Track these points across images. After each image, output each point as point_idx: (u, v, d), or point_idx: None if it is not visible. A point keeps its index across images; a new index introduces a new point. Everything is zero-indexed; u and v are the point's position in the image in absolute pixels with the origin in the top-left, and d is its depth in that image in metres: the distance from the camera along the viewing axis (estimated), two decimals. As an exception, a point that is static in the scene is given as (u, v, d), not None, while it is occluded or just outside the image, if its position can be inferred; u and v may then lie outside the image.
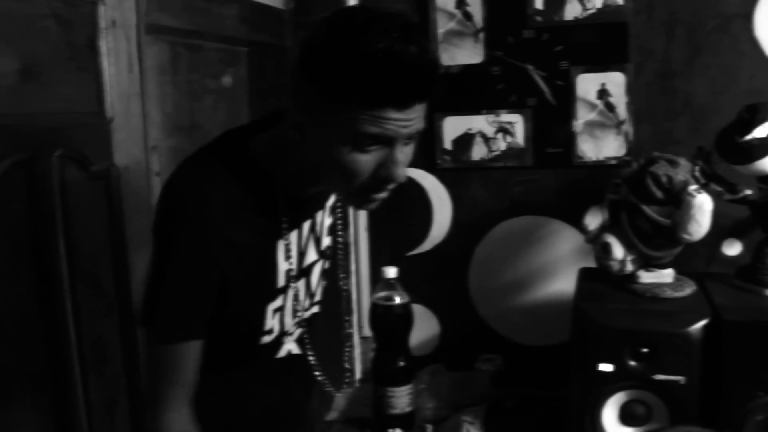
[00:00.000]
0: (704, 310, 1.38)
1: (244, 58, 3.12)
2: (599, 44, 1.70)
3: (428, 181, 1.87)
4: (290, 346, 1.32)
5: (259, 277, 1.15)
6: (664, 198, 1.42)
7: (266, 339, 1.23)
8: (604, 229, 1.53)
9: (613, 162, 1.72)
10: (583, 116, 1.73)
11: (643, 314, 1.40)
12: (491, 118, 1.79)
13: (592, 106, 1.72)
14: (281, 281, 1.18)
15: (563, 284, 1.79)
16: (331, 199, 1.28)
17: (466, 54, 1.78)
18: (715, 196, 1.42)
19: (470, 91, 1.79)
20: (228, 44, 2.96)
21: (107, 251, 1.89)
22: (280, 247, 1.15)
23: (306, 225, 1.20)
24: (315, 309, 1.33)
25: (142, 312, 1.12)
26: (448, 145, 1.83)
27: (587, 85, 1.72)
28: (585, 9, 1.70)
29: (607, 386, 1.37)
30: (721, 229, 1.62)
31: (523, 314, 1.85)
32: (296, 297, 1.23)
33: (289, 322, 1.24)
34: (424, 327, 1.89)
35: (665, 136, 1.71)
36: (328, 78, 0.94)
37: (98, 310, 1.97)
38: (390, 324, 1.58)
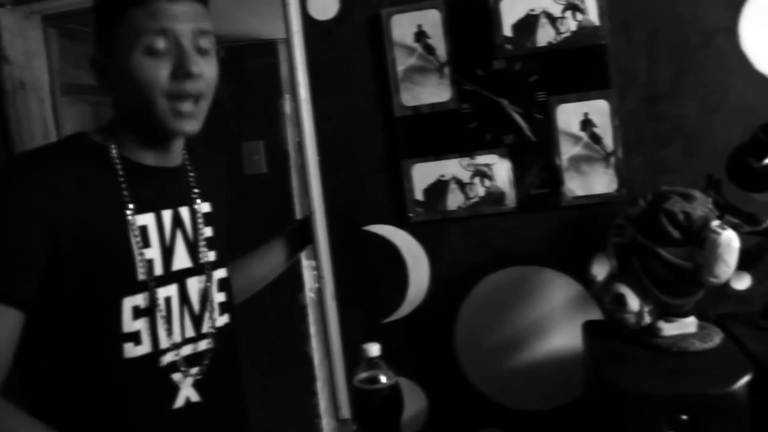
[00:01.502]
0: (743, 362, 1.20)
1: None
2: (578, 70, 1.54)
3: (400, 237, 1.66)
4: (188, 392, 1.23)
5: (108, 255, 1.12)
6: (682, 238, 1.24)
7: (134, 350, 1.15)
8: (613, 277, 1.34)
9: (606, 199, 1.55)
10: (567, 151, 1.56)
11: (676, 374, 1.20)
12: (465, 161, 1.59)
13: (577, 139, 1.55)
14: (141, 273, 1.16)
15: (561, 339, 1.60)
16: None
17: (431, 92, 1.59)
18: (734, 228, 1.25)
19: (439, 133, 1.60)
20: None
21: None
22: (131, 228, 1.15)
23: (167, 215, 1.22)
24: (205, 344, 1.27)
25: None
26: (419, 195, 1.62)
27: (569, 115, 1.55)
28: (559, 33, 1.53)
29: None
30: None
31: (519, 377, 1.64)
32: (168, 306, 1.20)
33: (163, 336, 1.18)
34: (410, 402, 1.65)
35: (658, 165, 1.55)
36: None
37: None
38: (377, 409, 1.36)
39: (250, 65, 2.72)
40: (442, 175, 1.61)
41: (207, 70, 1.16)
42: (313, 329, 2.80)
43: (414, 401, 1.68)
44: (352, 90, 1.65)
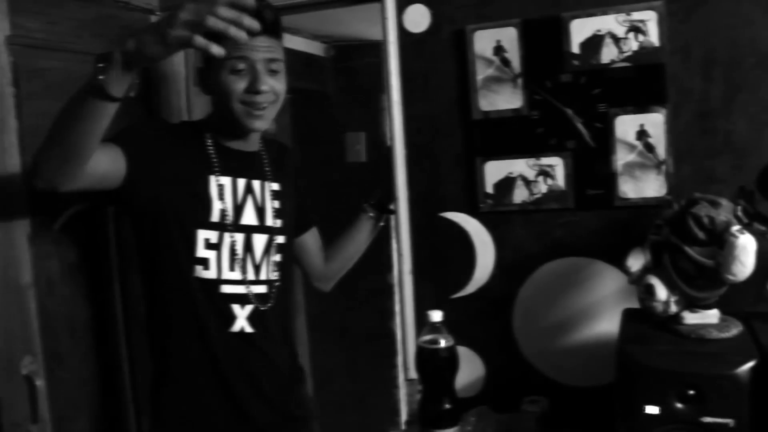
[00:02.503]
0: (751, 351, 1.37)
1: (288, 105, 3.23)
2: (637, 86, 1.72)
3: (471, 224, 1.90)
4: (242, 323, 1.61)
5: (191, 196, 1.55)
6: (706, 239, 1.42)
7: (203, 272, 1.56)
8: (647, 270, 1.53)
9: (654, 202, 1.72)
10: (622, 157, 1.74)
11: (689, 356, 1.39)
12: (532, 161, 1.81)
13: (632, 147, 1.73)
14: (215, 216, 1.57)
15: (607, 325, 1.79)
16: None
17: (505, 99, 1.82)
18: (759, 236, 1.42)
19: (510, 136, 1.83)
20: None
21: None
22: (212, 182, 1.58)
23: (241, 182, 1.63)
24: (262, 289, 1.64)
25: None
26: (489, 188, 1.85)
27: (626, 126, 1.73)
28: (621, 51, 1.72)
29: (653, 429, 1.36)
30: (765, 268, 1.60)
31: (567, 355, 1.84)
32: (233, 248, 1.59)
33: (226, 268, 1.58)
34: (469, 369, 1.90)
35: (706, 175, 1.71)
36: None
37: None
38: (436, 367, 1.60)
39: (357, 63, 3.01)
40: (511, 173, 1.83)
41: (275, 86, 1.56)
42: (397, 307, 3.05)
43: (473, 368, 1.92)
44: (437, 94, 1.90)
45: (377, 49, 2.99)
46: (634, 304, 1.72)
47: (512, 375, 1.89)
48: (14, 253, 1.66)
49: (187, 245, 1.56)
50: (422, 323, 1.92)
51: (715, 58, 1.68)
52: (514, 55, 1.80)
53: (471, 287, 1.92)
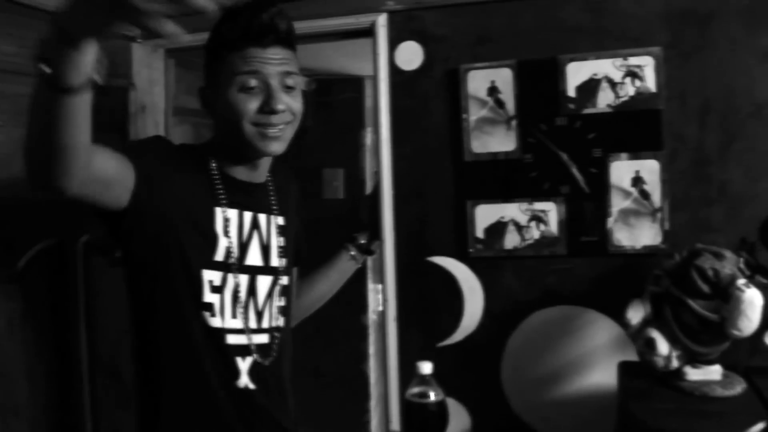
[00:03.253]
0: (759, 411, 1.32)
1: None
2: (633, 131, 1.69)
3: (459, 270, 1.83)
4: (245, 378, 1.38)
5: (196, 232, 1.33)
6: (710, 292, 1.37)
7: (211, 320, 1.33)
8: (647, 323, 1.47)
9: (650, 251, 1.68)
10: (617, 204, 1.70)
11: (695, 415, 1.33)
12: (524, 206, 1.76)
13: (627, 194, 1.70)
14: (220, 255, 1.35)
15: (600, 377, 1.73)
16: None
17: (498, 141, 1.77)
18: (762, 289, 1.37)
19: (502, 179, 1.78)
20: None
21: (126, 338, 1.85)
22: (218, 215, 1.36)
23: (247, 216, 1.41)
24: (265, 338, 1.42)
25: None
26: (480, 233, 1.80)
27: (621, 172, 1.70)
28: (618, 97, 1.69)
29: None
30: (763, 320, 1.57)
31: (558, 409, 1.78)
32: (236, 292, 1.37)
33: (228, 315, 1.36)
34: (454, 421, 1.80)
35: (702, 224, 1.68)
36: (211, 39, 1.33)
37: (116, 402, 1.93)
38: (424, 422, 1.51)
39: (336, 98, 2.95)
40: (502, 217, 1.78)
41: (292, 104, 1.34)
42: (372, 349, 2.97)
43: (459, 421, 1.84)
44: (428, 134, 1.85)
45: (358, 84, 2.97)
46: (629, 356, 1.67)
47: (500, 429, 1.82)
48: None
49: (192, 287, 1.34)
50: (406, 372, 1.86)
51: (711, 105, 1.67)
52: (508, 96, 1.76)
53: (458, 335, 1.84)
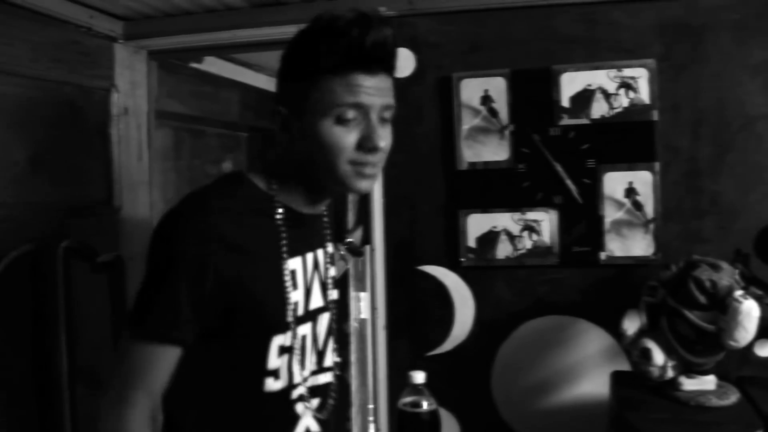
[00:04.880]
0: (754, 420, 1.32)
1: (244, 143, 3.11)
2: (626, 143, 1.69)
3: (450, 278, 1.82)
4: (308, 422, 1.25)
5: (266, 297, 1.16)
6: (708, 303, 1.37)
7: (273, 385, 1.19)
8: (642, 333, 1.48)
9: (642, 262, 1.69)
10: (610, 215, 1.71)
11: (691, 425, 1.33)
12: (517, 215, 1.75)
13: (620, 205, 1.70)
14: (290, 314, 1.18)
15: (591, 386, 1.73)
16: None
17: (491, 151, 1.76)
18: (756, 300, 1.38)
19: (495, 188, 1.77)
20: (229, 129, 2.95)
21: (109, 345, 1.80)
22: (285, 272, 1.18)
23: (309, 258, 1.24)
24: (328, 377, 1.30)
25: (131, 318, 1.11)
26: (472, 242, 1.78)
27: (615, 183, 1.70)
28: (612, 108, 1.69)
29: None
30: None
31: (548, 418, 1.77)
32: (303, 343, 1.22)
33: (296, 372, 1.21)
34: (443, 430, 1.79)
35: (693, 235, 1.69)
36: (303, 57, 1.10)
37: (97, 411, 1.86)
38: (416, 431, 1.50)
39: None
40: (494, 227, 1.77)
41: (387, 142, 1.16)
42: (353, 357, 2.94)
43: (448, 430, 1.82)
44: (419, 142, 1.83)
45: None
46: (620, 366, 1.68)
47: (490, 438, 1.80)
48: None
49: (259, 357, 1.18)
50: (395, 381, 1.83)
51: (703, 118, 1.68)
52: (502, 105, 1.76)
53: (448, 344, 1.83)
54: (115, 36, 1.95)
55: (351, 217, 1.89)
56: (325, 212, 1.33)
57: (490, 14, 1.77)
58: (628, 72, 1.68)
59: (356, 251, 1.78)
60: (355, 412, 3.07)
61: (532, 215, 1.75)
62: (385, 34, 1.09)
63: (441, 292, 1.82)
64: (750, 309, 1.32)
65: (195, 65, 2.33)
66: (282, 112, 1.16)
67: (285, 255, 1.18)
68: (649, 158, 1.68)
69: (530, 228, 1.75)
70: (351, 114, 1.10)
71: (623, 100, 1.69)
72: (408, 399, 1.50)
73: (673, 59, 1.68)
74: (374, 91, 1.10)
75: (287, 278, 1.18)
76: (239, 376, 1.18)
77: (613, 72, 1.69)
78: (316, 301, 1.26)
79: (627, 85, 1.68)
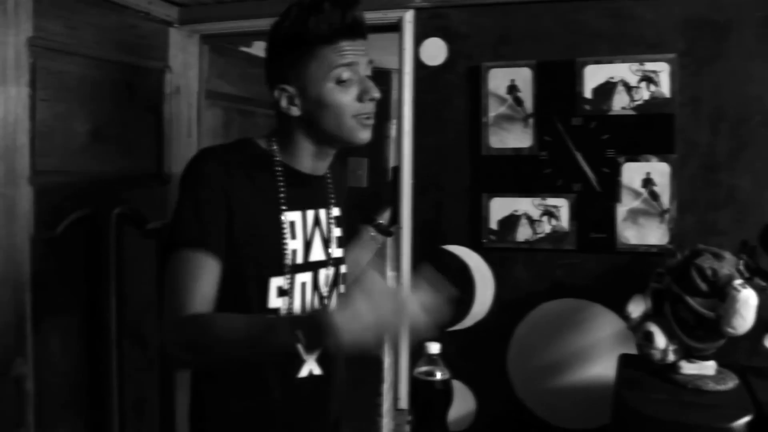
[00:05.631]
0: (747, 405, 1.37)
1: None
2: (646, 134, 1.75)
3: (473, 258, 1.91)
4: (311, 365, 1.42)
5: (263, 242, 1.34)
6: (708, 291, 1.43)
7: None
8: (647, 317, 1.54)
9: (656, 250, 1.74)
10: (627, 203, 1.77)
11: (686, 406, 1.39)
12: (537, 201, 1.83)
13: (637, 194, 1.76)
14: (288, 259, 1.37)
15: (601, 369, 1.80)
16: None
17: (515, 138, 1.84)
18: (760, 291, 1.43)
19: (518, 174, 1.85)
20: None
21: (153, 308, 1.96)
22: (283, 220, 1.37)
23: (310, 215, 1.43)
24: None
25: (167, 239, 1.32)
26: (494, 225, 1.87)
27: (632, 173, 1.76)
28: (632, 100, 1.75)
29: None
30: (763, 323, 1.61)
31: (560, 396, 1.85)
32: (303, 290, 1.40)
33: (297, 312, 1.37)
34: (460, 403, 1.90)
35: (709, 227, 1.73)
36: (298, 35, 1.30)
37: (140, 365, 2.03)
38: (429, 399, 1.58)
39: (365, 90, 3.03)
40: (516, 210, 1.85)
41: (378, 92, 1.37)
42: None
43: (464, 403, 1.91)
44: (448, 128, 1.92)
45: (386, 76, 3.05)
46: (631, 350, 1.73)
47: (503, 413, 1.90)
48: (15, 251, 1.64)
49: (260, 295, 1.35)
50: (416, 353, 1.93)
51: (723, 112, 1.72)
52: (527, 95, 1.83)
53: (468, 321, 1.92)
54: (170, 21, 2.10)
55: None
56: (329, 176, 1.51)
57: (519, 7, 1.85)
58: (650, 66, 1.73)
59: (385, 231, 1.89)
60: (386, 388, 3.19)
61: (551, 201, 1.82)
62: (357, 5, 1.32)
63: (463, 271, 1.92)
64: (747, 297, 1.37)
65: (245, 49, 2.46)
66: (287, 89, 1.34)
67: (284, 206, 1.37)
68: (668, 150, 1.73)
69: (550, 213, 1.82)
70: (346, 74, 1.31)
71: (644, 93, 1.74)
72: (423, 368, 1.59)
73: (696, 54, 1.72)
74: (359, 51, 1.32)
75: (285, 227, 1.37)
76: (245, 311, 1.33)
77: (635, 66, 1.74)
78: (317, 255, 1.44)
79: (648, 79, 1.74)
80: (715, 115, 1.72)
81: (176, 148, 2.12)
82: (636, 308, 1.55)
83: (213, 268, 1.29)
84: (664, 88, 1.73)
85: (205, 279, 1.28)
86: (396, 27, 1.94)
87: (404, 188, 1.93)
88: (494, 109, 1.86)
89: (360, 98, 1.33)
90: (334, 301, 1.48)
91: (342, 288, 1.52)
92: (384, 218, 1.89)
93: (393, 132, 3.02)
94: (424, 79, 1.93)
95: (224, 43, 2.32)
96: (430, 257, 1.94)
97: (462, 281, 1.91)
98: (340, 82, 1.31)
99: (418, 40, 1.93)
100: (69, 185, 1.80)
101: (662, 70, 1.73)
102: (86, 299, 1.87)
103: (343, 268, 1.52)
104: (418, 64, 1.93)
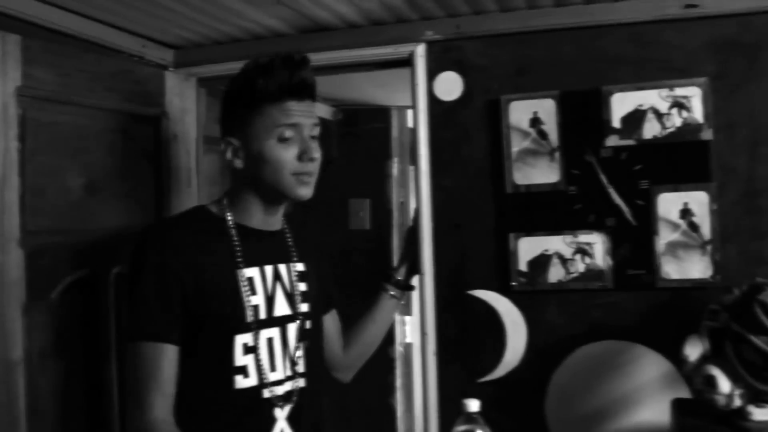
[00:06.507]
0: (828, 452, 1.27)
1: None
2: (680, 163, 1.66)
3: (502, 303, 1.79)
4: (282, 425, 1.42)
5: (222, 300, 1.38)
6: (774, 328, 1.33)
7: (243, 382, 1.38)
8: (705, 359, 1.43)
9: (700, 284, 1.64)
10: (665, 236, 1.67)
11: (763, 458, 1.28)
12: (569, 238, 1.73)
13: (675, 226, 1.66)
14: (249, 316, 1.40)
15: (649, 414, 1.68)
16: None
17: (541, 173, 1.74)
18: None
19: (546, 211, 1.74)
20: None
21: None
22: (240, 278, 1.41)
23: (269, 270, 1.47)
24: (301, 383, 1.47)
25: (125, 330, 1.39)
26: (523, 266, 1.76)
27: (669, 204, 1.66)
28: (664, 127, 1.66)
29: None
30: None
31: (605, 447, 1.72)
32: (271, 346, 1.43)
33: (267, 370, 1.41)
34: (496, 460, 1.76)
35: (754, 257, 1.64)
36: (246, 91, 1.40)
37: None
38: (472, 461, 1.46)
39: (363, 128, 2.93)
40: (546, 250, 1.74)
41: (319, 153, 1.43)
42: (399, 382, 2.91)
43: (501, 459, 1.78)
44: (468, 165, 1.82)
45: (386, 113, 2.96)
46: (679, 393, 1.63)
47: (545, 469, 1.76)
48: (5, 323, 1.50)
49: (225, 353, 1.38)
50: (446, 409, 1.80)
51: (761, 135, 1.64)
52: (551, 127, 1.74)
53: (500, 371, 1.79)
54: (165, 64, 1.99)
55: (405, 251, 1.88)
56: (287, 230, 1.55)
57: (537, 36, 1.76)
58: (680, 91, 1.65)
59: (405, 286, 1.77)
60: (400, 438, 3.05)
61: (584, 238, 1.72)
62: (308, 68, 1.41)
63: (492, 317, 1.80)
64: (821, 334, 1.27)
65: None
66: (232, 142, 1.42)
67: (241, 264, 1.41)
68: (705, 178, 1.64)
69: (583, 251, 1.72)
70: (288, 133, 1.38)
71: (676, 120, 1.66)
72: (462, 428, 1.47)
73: (727, 78, 1.65)
74: (304, 113, 1.40)
75: (244, 284, 1.41)
76: (212, 373, 1.38)
77: (665, 91, 1.66)
78: (282, 309, 1.47)
79: (680, 105, 1.65)
80: (752, 138, 1.64)
81: (176, 199, 1.99)
82: (693, 350, 1.43)
83: (171, 354, 1.34)
84: (697, 113, 1.65)
85: (165, 368, 1.33)
86: (407, 62, 1.84)
87: (424, 232, 1.81)
88: (517, 144, 1.76)
89: (300, 157, 1.39)
90: (302, 360, 1.49)
91: (308, 343, 1.52)
92: (401, 273, 1.77)
93: (395, 170, 2.92)
94: (440, 116, 1.83)
95: (221, 86, 2.20)
96: (456, 304, 1.82)
97: (491, 328, 1.79)
98: (282, 139, 1.38)
99: (432, 75, 1.83)
100: (63, 245, 1.66)
101: (693, 95, 1.65)
102: (85, 371, 1.71)
103: (308, 324, 1.52)
104: (433, 100, 1.83)
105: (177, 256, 1.35)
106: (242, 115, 1.41)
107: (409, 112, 2.97)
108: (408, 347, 2.97)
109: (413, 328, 3.04)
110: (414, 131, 1.84)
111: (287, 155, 1.38)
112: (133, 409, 1.33)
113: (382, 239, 2.89)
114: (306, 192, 1.43)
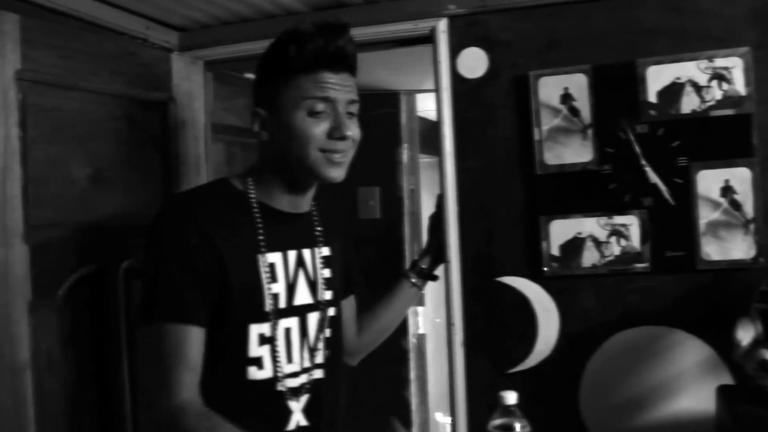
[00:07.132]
0: None
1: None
2: (721, 138, 1.58)
3: (532, 290, 1.70)
4: (298, 417, 1.35)
5: (241, 286, 1.28)
6: (836, 309, 1.25)
7: (257, 374, 1.30)
8: (757, 343, 1.35)
9: (743, 266, 1.57)
10: (705, 216, 1.59)
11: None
12: (603, 220, 1.64)
13: (716, 205, 1.58)
14: (268, 305, 1.31)
15: (690, 402, 1.60)
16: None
17: (573, 152, 1.66)
18: None
19: (579, 192, 1.66)
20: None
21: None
22: (261, 263, 1.31)
23: (292, 255, 1.37)
24: (318, 374, 1.39)
25: (141, 311, 1.25)
26: (555, 250, 1.67)
27: (709, 182, 1.58)
28: (703, 101, 1.58)
29: None
30: None
31: (644, 438, 1.64)
32: (288, 336, 1.34)
33: (283, 363, 1.32)
34: (530, 454, 1.68)
35: (799, 236, 1.56)
36: (276, 61, 1.29)
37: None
38: (511, 456, 1.39)
39: (372, 114, 2.83)
40: (579, 233, 1.66)
41: (356, 131, 1.33)
42: (412, 374, 2.83)
43: (535, 452, 1.70)
44: (495, 146, 1.73)
45: (395, 99, 2.86)
46: (722, 379, 1.56)
47: (581, 461, 1.68)
48: (10, 323, 1.41)
49: (239, 343, 1.29)
50: (474, 402, 1.72)
51: (804, 109, 1.56)
52: (583, 103, 1.65)
53: (531, 360, 1.71)
54: (170, 47, 1.88)
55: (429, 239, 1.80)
56: (314, 213, 1.44)
57: (566, 7, 1.67)
58: (720, 62, 1.57)
59: (429, 276, 1.69)
60: (415, 430, 2.97)
61: (619, 219, 1.63)
62: (346, 38, 1.29)
63: (522, 305, 1.71)
64: None
65: (250, 76, 2.25)
66: (260, 113, 1.33)
67: (263, 248, 1.32)
68: (747, 154, 1.56)
69: (618, 233, 1.63)
70: (320, 107, 1.27)
71: (716, 93, 1.58)
72: (499, 421, 1.40)
73: (771, 47, 1.57)
74: (339, 86, 1.28)
75: (265, 270, 1.31)
76: (225, 363, 1.29)
77: (703, 63, 1.58)
78: (303, 298, 1.37)
79: (720, 76, 1.57)
80: (797, 110, 1.56)
81: (185, 188, 1.89)
82: (746, 334, 1.36)
83: (197, 336, 1.24)
84: (738, 85, 1.56)
85: (191, 351, 1.23)
86: (428, 39, 1.75)
87: (449, 217, 1.72)
88: (547, 122, 1.67)
89: (330, 134, 1.29)
90: (322, 350, 1.41)
91: (328, 332, 1.44)
92: (425, 262, 1.69)
93: (405, 157, 2.83)
94: (464, 94, 1.74)
95: (229, 70, 2.11)
96: (484, 293, 1.73)
97: (522, 316, 1.71)
98: (312, 113, 1.28)
99: (454, 52, 1.74)
100: (69, 239, 1.57)
101: (735, 66, 1.56)
102: (94, 371, 1.62)
103: (331, 311, 1.44)
104: (456, 78, 1.74)
105: (200, 233, 1.25)
106: (273, 85, 1.31)
107: (419, 96, 2.90)
108: (421, 338, 2.89)
109: (425, 319, 2.96)
110: (438, 112, 1.74)
111: (317, 130, 1.27)
112: (157, 392, 1.21)
113: (393, 228, 2.80)
114: (337, 173, 1.32)
